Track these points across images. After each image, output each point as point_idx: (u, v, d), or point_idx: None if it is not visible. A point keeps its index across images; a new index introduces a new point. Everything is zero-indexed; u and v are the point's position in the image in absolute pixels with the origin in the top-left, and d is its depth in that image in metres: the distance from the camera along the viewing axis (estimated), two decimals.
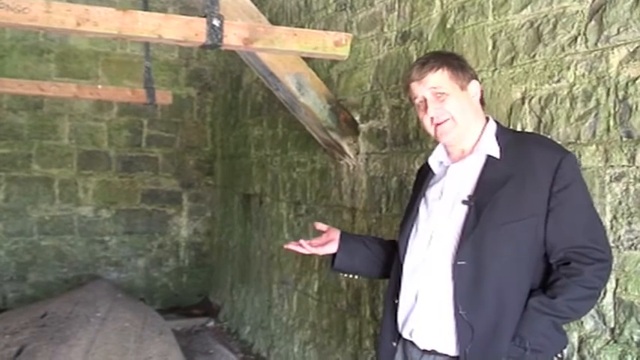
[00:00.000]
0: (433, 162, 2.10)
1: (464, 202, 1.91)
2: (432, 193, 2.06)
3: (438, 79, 1.94)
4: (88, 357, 3.82)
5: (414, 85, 1.98)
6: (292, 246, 2.29)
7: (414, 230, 2.05)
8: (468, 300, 1.84)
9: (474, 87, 2.02)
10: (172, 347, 4.52)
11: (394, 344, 2.07)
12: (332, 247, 2.31)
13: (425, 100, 1.97)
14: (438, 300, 1.90)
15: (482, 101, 2.07)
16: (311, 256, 2.27)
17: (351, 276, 2.52)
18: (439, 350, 1.91)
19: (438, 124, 1.97)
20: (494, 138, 1.97)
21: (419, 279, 1.97)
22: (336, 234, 2.33)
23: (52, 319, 4.42)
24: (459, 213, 1.92)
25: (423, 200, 2.08)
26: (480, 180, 1.92)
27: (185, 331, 6.58)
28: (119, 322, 4.58)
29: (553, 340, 1.84)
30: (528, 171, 1.86)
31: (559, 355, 1.88)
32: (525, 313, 1.82)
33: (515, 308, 1.83)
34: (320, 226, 2.38)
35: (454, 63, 1.99)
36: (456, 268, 1.86)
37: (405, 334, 2.02)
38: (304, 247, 2.26)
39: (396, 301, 2.06)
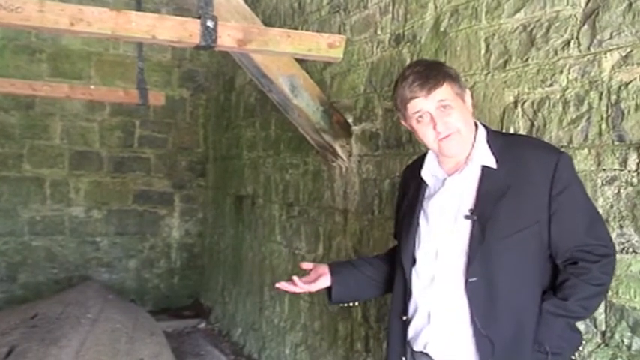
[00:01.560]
0: (426, 175, 2.06)
1: (466, 217, 1.89)
2: (430, 207, 2.02)
3: (445, 92, 1.89)
4: (79, 358, 3.80)
5: (418, 101, 1.90)
6: (284, 285, 2.21)
7: (417, 246, 2.02)
8: (484, 316, 1.83)
9: (469, 97, 2.00)
10: (163, 348, 4.51)
11: (404, 359, 2.06)
12: (324, 281, 2.24)
13: (430, 115, 1.90)
14: (453, 318, 1.90)
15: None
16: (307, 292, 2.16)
17: (352, 304, 2.46)
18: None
19: (443, 139, 1.92)
20: (487, 145, 1.95)
21: (430, 297, 1.96)
22: (324, 268, 2.25)
23: (42, 320, 4.40)
24: (463, 228, 1.89)
25: (422, 214, 2.04)
26: (478, 192, 1.90)
27: (176, 333, 6.57)
28: (110, 323, 4.57)
29: (570, 341, 1.87)
30: (526, 178, 1.85)
31: (575, 354, 1.89)
32: (541, 318, 1.83)
33: (532, 316, 1.84)
34: (305, 265, 2.31)
35: (452, 74, 1.95)
36: (468, 285, 1.85)
37: (418, 348, 2.00)
38: (297, 284, 2.19)
39: (405, 318, 2.04)
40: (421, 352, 1.99)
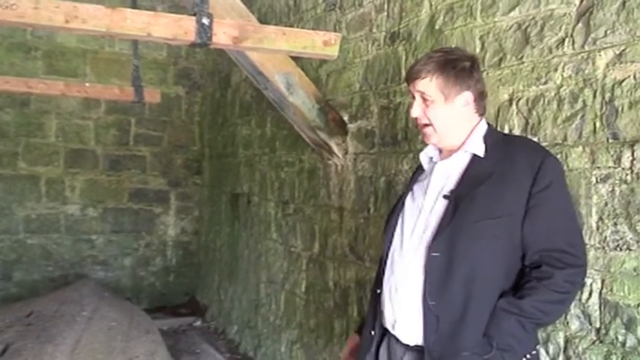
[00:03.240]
0: (424, 157, 2.14)
1: (445, 196, 1.95)
2: (418, 188, 2.10)
3: (425, 86, 1.97)
4: (74, 356, 3.80)
5: (410, 83, 2.02)
6: None
7: (398, 224, 2.08)
8: (436, 291, 1.86)
9: (462, 99, 1.99)
10: (159, 346, 4.50)
11: (372, 333, 2.11)
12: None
13: (415, 98, 2.03)
14: (413, 291, 1.93)
15: (482, 101, 2.06)
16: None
17: None
18: (420, 344, 1.93)
19: (421, 127, 2.04)
20: (482, 138, 1.99)
21: (398, 271, 2.00)
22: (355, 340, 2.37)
23: (37, 318, 4.40)
24: (439, 207, 1.95)
25: (410, 195, 2.12)
26: (462, 176, 1.96)
27: (172, 331, 6.56)
28: (105, 322, 4.56)
29: (521, 341, 1.85)
30: (510, 170, 1.88)
31: (527, 356, 1.88)
32: (494, 313, 1.84)
33: (484, 304, 1.84)
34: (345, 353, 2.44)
35: (450, 73, 1.96)
36: (429, 259, 1.89)
37: (389, 326, 2.04)
38: None
39: (379, 291, 2.10)
40: (393, 336, 2.03)
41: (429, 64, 1.97)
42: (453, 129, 2.01)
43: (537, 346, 1.97)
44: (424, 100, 1.99)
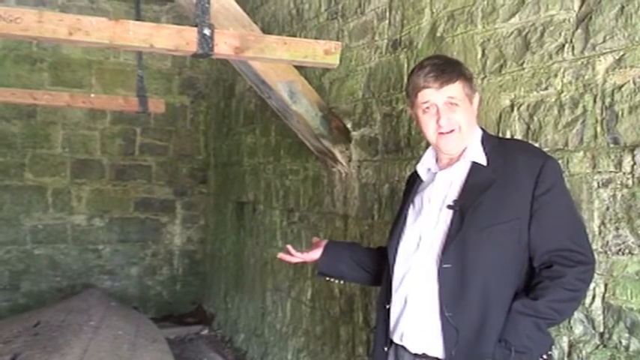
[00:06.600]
0: (421, 169, 2.13)
1: (449, 206, 1.95)
2: (419, 199, 2.09)
3: (456, 90, 1.96)
4: None
5: (429, 92, 1.96)
6: (283, 255, 2.43)
7: (402, 236, 2.08)
8: (453, 302, 1.86)
9: (477, 100, 2.06)
10: (166, 355, 4.51)
11: (385, 349, 2.09)
12: (316, 253, 2.41)
13: (437, 107, 1.97)
14: (426, 303, 1.93)
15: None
16: (304, 264, 2.46)
17: (337, 281, 2.56)
18: (429, 354, 1.93)
19: (443, 133, 1.99)
20: (480, 144, 2.00)
21: (407, 284, 2.00)
22: (322, 242, 2.44)
23: (45, 328, 4.41)
24: (445, 217, 1.95)
25: (411, 207, 2.11)
26: (465, 185, 1.96)
27: (179, 340, 6.57)
28: (112, 331, 4.58)
29: (537, 342, 1.86)
30: (511, 176, 1.89)
31: (544, 357, 1.89)
32: (509, 316, 1.84)
33: (500, 310, 1.85)
34: (315, 239, 2.51)
35: (467, 74, 2.02)
36: (441, 271, 1.89)
37: (396, 339, 2.03)
38: (293, 254, 2.40)
39: (387, 307, 2.08)
40: (401, 345, 2.02)
41: (448, 69, 1.97)
42: (472, 132, 2.02)
43: (552, 347, 1.98)
44: (449, 106, 1.96)
